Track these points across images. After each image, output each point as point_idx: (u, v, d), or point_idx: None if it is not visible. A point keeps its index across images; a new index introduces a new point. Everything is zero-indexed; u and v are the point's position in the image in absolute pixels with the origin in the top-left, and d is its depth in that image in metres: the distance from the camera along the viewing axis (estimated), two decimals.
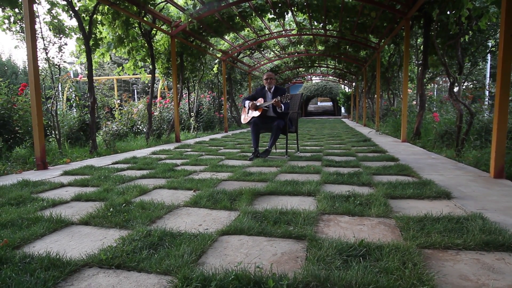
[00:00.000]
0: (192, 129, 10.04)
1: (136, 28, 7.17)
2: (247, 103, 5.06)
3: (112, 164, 4.54)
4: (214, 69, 12.04)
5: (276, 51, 14.29)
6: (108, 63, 27.82)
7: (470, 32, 4.86)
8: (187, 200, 2.55)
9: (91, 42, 5.91)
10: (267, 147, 4.89)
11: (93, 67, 5.96)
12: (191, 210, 2.34)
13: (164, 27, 7.77)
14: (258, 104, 4.95)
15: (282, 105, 4.74)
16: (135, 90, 26.99)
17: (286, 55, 15.17)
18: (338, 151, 5.45)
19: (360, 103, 17.45)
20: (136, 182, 3.22)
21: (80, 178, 3.46)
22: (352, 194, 2.53)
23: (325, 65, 18.38)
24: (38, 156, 4.22)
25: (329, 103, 32.37)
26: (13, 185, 3.12)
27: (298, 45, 13.62)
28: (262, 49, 13.39)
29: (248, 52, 13.46)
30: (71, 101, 7.82)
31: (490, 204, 2.31)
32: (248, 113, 5.10)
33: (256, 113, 4.94)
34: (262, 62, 15.77)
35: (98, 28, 6.31)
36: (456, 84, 5.19)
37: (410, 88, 11.85)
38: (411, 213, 2.12)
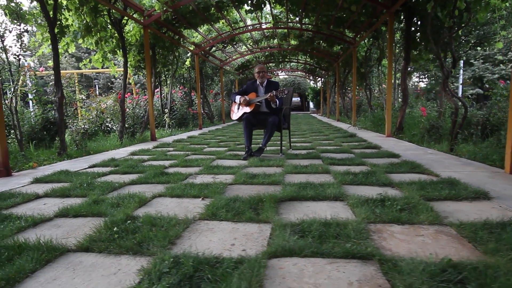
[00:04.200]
0: (166, 127, 9.45)
1: (105, 17, 6.51)
2: (237, 98, 4.69)
3: (89, 167, 3.99)
4: (186, 62, 11.45)
5: (249, 45, 13.93)
6: (66, 57, 25.92)
7: (463, 25, 4.82)
8: (201, 211, 2.17)
9: (56, 30, 5.22)
10: (260, 145, 4.56)
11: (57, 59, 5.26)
12: (211, 225, 1.97)
13: (136, 15, 7.15)
14: (250, 99, 4.60)
15: (277, 100, 4.44)
16: (97, 86, 25.43)
17: (259, 50, 14.86)
18: (330, 147, 5.25)
19: (331, 99, 17.57)
20: (129, 190, 2.76)
21: (58, 186, 2.93)
22: (385, 197, 2.28)
23: (296, 60, 18.28)
24: (0, 161, 3.59)
25: (297, 99, 32.53)
26: None
27: (272, 39, 13.37)
28: (235, 42, 12.96)
29: (221, 46, 12.97)
30: (30, 97, 6.96)
31: None
32: (238, 108, 4.74)
33: (248, 109, 4.59)
34: (234, 57, 15.33)
35: (63, 15, 5.61)
36: (443, 77, 5.15)
37: (385, 83, 12.03)
38: (463, 218, 1.90)
